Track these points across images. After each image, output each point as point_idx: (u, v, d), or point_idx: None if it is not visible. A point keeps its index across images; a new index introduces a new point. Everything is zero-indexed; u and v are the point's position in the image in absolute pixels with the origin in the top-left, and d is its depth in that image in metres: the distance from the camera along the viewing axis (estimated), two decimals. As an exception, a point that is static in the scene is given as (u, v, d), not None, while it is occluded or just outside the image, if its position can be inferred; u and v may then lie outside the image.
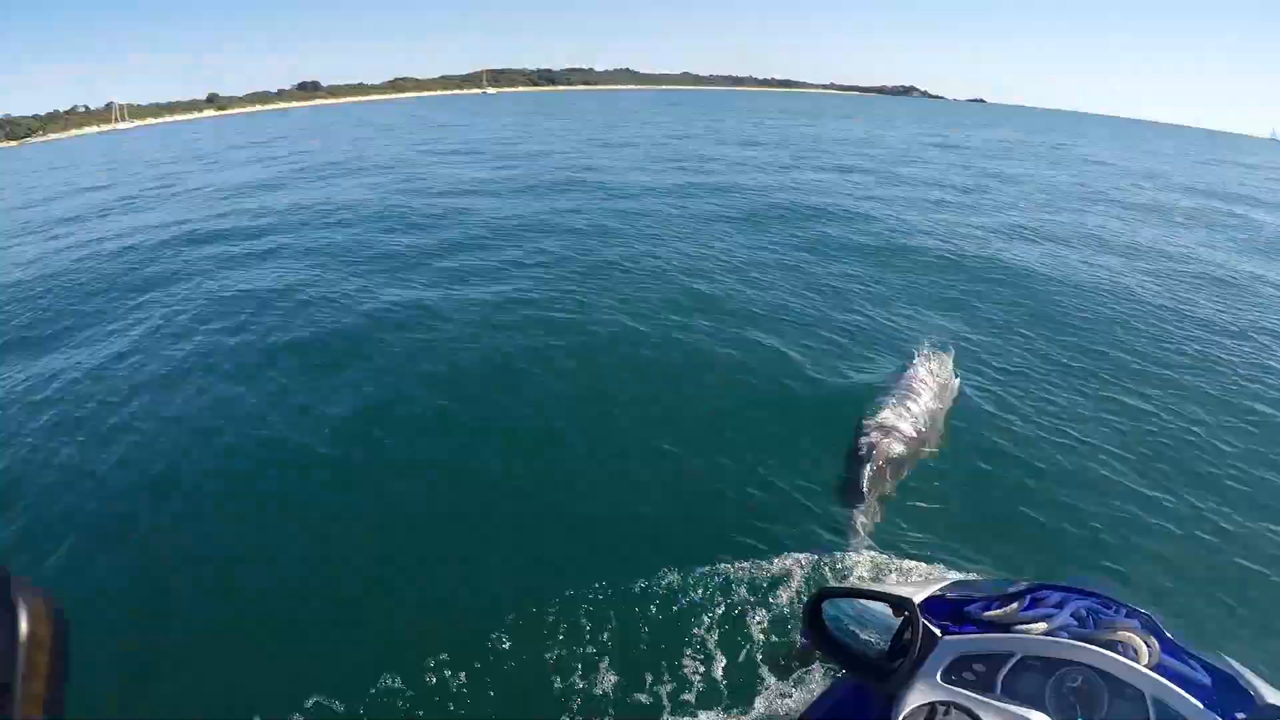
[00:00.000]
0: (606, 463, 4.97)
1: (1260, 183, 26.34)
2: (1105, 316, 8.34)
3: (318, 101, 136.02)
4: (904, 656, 0.94)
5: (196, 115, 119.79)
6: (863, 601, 1.08)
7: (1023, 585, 1.07)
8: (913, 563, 3.85)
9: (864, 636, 1.05)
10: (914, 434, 4.91)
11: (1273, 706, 0.81)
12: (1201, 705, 0.82)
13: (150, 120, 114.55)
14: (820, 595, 1.06)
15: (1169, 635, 0.97)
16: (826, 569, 3.78)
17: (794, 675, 3.11)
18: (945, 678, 0.91)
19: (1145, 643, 0.90)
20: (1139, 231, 13.71)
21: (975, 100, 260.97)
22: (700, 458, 4.97)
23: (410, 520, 4.43)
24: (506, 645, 3.31)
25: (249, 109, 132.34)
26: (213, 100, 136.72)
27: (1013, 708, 0.87)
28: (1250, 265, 11.46)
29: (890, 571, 3.84)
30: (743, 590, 3.63)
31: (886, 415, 4.99)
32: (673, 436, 5.20)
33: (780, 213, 13.60)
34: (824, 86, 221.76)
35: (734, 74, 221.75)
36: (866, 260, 10.42)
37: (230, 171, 22.99)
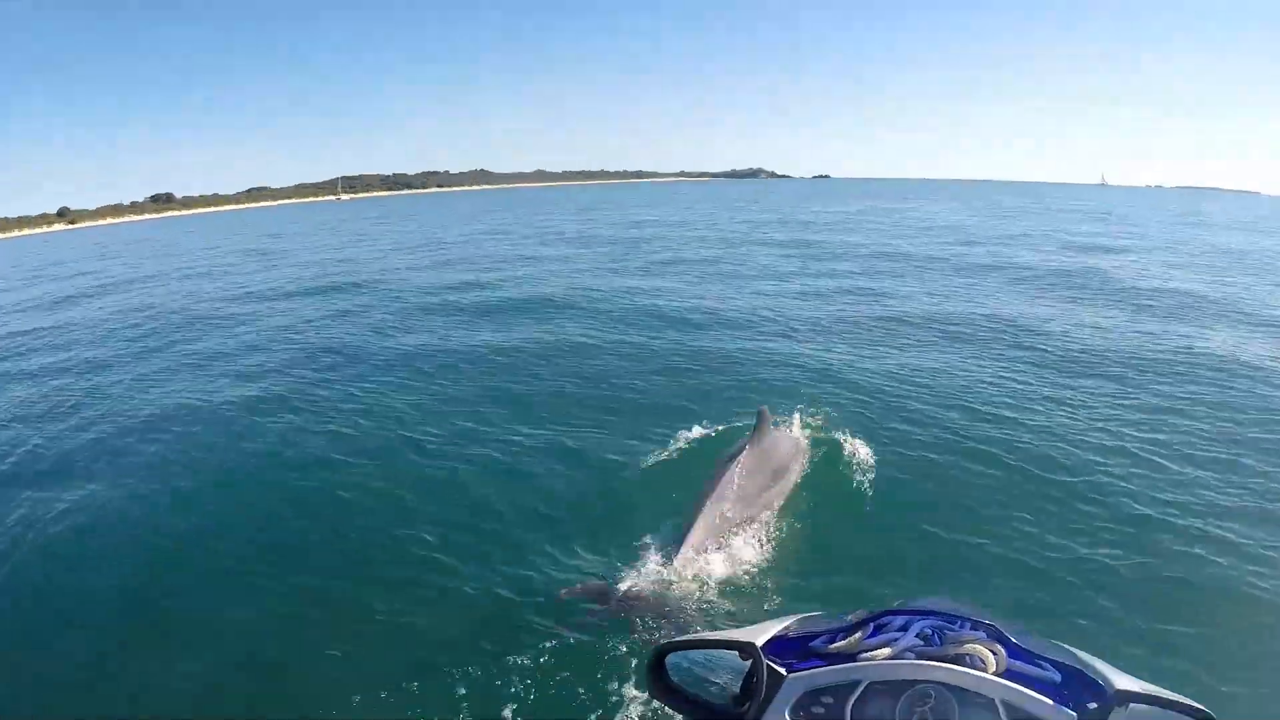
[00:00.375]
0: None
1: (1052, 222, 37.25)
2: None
3: (170, 213, 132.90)
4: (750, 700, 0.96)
5: (46, 229, 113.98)
6: (707, 651, 1.09)
7: (865, 614, 1.07)
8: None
9: (711, 686, 1.06)
10: (745, 497, 5.29)
11: (1123, 692, 0.83)
12: (1052, 702, 0.84)
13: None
14: (662, 650, 1.05)
15: (1014, 640, 0.99)
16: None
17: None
18: (794, 715, 0.91)
19: (991, 651, 0.92)
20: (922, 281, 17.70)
21: (821, 176, 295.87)
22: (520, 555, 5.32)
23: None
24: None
25: (101, 221, 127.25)
26: (63, 214, 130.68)
27: None
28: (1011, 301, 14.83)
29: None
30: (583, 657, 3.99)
31: (717, 484, 5.26)
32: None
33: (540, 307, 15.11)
34: (675, 175, 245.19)
35: (587, 168, 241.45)
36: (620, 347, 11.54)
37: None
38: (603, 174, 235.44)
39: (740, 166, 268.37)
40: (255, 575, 5.27)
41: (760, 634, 1.04)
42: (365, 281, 20.41)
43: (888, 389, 8.76)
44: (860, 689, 0.92)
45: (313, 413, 8.89)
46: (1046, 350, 10.69)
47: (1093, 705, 0.85)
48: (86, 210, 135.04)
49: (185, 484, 7.03)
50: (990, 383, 9.07)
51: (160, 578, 5.41)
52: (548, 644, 4.11)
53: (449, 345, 12.13)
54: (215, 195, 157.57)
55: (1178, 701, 0.84)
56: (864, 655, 0.97)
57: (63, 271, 32.02)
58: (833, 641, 1.02)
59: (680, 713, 1.04)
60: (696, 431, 7.14)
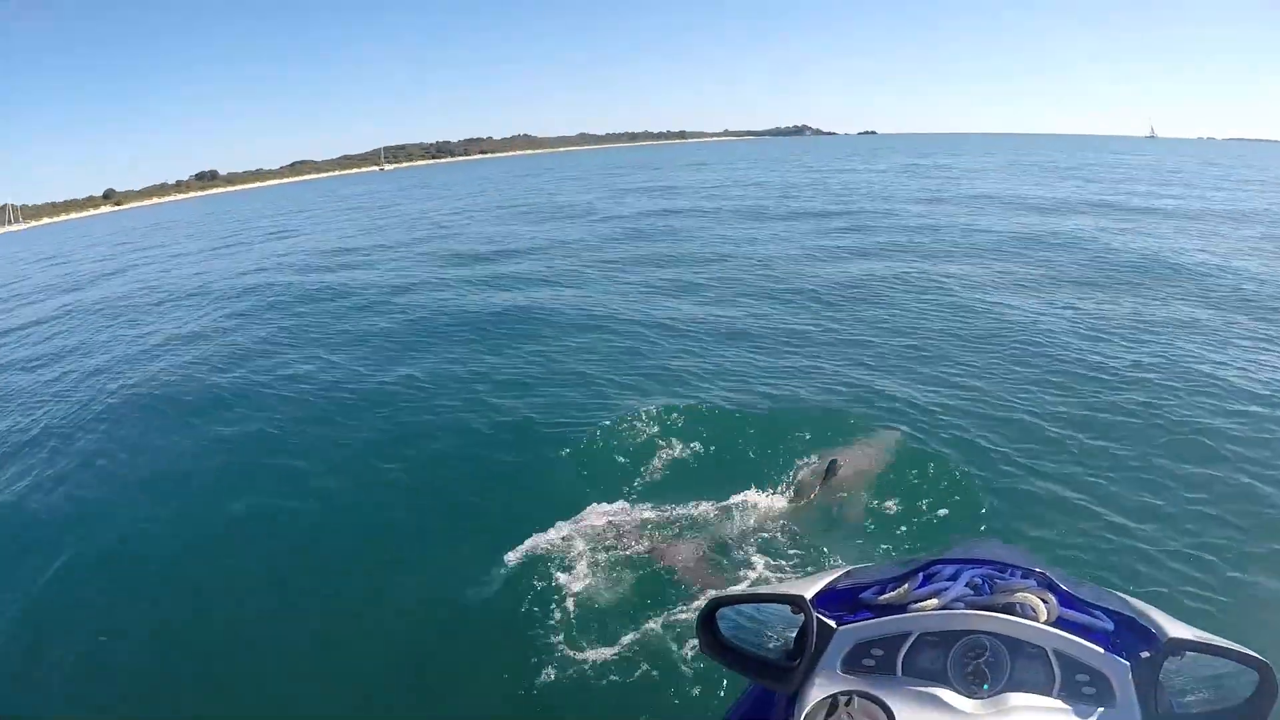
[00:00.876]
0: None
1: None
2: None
3: (214, 190, 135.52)
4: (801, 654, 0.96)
5: (93, 212, 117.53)
6: (758, 606, 1.09)
7: (915, 563, 1.08)
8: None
9: (764, 640, 1.06)
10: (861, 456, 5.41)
11: (1176, 640, 0.82)
12: (1104, 650, 0.84)
13: (45, 220, 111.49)
14: (713, 605, 1.06)
15: (1065, 588, 0.98)
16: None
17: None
18: (845, 668, 0.92)
19: (1042, 600, 0.91)
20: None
21: (867, 133, 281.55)
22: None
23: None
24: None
25: (147, 202, 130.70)
26: (109, 196, 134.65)
27: (917, 686, 0.86)
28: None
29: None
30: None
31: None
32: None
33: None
34: (719, 134, 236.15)
35: (630, 130, 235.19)
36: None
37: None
38: (646, 135, 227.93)
39: (785, 124, 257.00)
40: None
41: (810, 587, 1.03)
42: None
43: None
44: (911, 640, 0.92)
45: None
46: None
47: (1145, 654, 0.84)
48: (133, 191, 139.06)
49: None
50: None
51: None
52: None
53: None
54: (259, 171, 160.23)
55: (1234, 650, 0.81)
56: (914, 606, 0.96)
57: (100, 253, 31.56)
58: (883, 593, 1.02)
59: (732, 668, 1.04)
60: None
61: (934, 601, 0.95)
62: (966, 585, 0.98)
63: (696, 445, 5.94)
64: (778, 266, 13.81)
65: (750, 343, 9.06)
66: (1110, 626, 0.91)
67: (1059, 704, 0.82)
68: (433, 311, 11.99)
